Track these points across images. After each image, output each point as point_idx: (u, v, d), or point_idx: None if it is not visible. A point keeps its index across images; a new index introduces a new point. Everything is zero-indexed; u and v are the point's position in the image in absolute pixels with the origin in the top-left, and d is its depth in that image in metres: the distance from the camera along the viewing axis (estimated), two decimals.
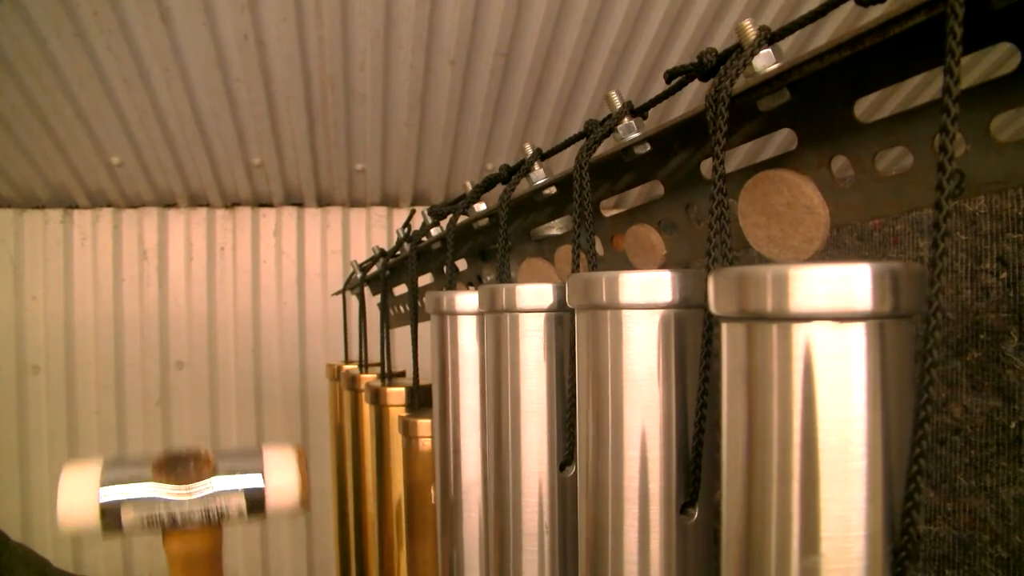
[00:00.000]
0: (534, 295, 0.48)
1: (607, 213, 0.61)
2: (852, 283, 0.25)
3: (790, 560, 0.26)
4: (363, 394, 1.15)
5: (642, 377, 0.36)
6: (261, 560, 1.91)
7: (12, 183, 1.74)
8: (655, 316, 0.36)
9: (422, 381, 0.86)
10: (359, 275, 1.35)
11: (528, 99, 1.59)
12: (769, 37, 0.36)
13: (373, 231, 2.01)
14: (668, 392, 0.36)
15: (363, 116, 1.60)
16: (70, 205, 1.87)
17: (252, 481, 0.45)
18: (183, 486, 0.45)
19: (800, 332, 0.25)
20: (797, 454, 0.25)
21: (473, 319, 0.60)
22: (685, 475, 0.36)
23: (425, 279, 1.07)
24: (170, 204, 1.91)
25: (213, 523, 0.50)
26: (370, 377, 1.21)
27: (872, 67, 0.33)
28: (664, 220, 0.52)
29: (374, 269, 1.28)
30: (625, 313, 0.36)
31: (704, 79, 0.41)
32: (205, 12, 1.28)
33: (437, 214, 0.86)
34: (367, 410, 1.13)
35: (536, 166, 0.61)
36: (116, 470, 0.46)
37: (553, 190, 0.60)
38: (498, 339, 0.51)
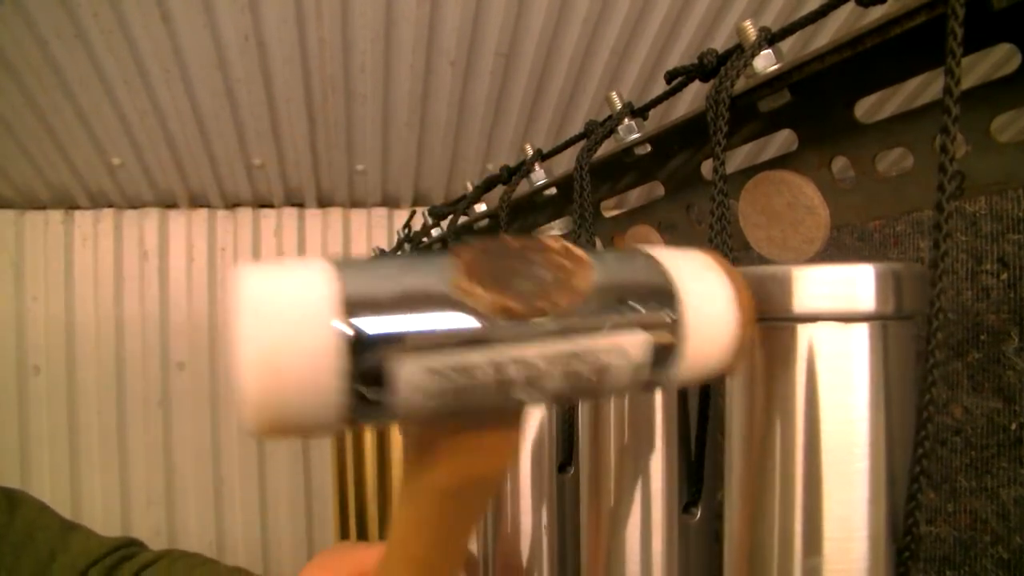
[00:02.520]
0: None
1: (607, 214, 0.61)
2: (855, 284, 0.25)
3: (792, 560, 0.26)
4: None
5: None
6: (262, 560, 1.91)
7: (13, 184, 1.74)
8: None
9: None
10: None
11: (528, 100, 1.59)
12: (770, 38, 0.36)
13: (374, 232, 2.01)
14: (670, 392, 0.36)
15: (364, 117, 1.60)
16: (71, 206, 1.87)
17: (659, 314, 0.23)
18: (533, 309, 0.22)
19: (804, 332, 0.25)
20: (800, 454, 0.25)
21: None
22: (687, 475, 0.36)
23: None
24: (171, 205, 1.91)
25: (577, 392, 0.24)
26: None
27: (873, 68, 0.33)
28: (664, 221, 0.52)
29: None
30: None
31: (705, 80, 0.41)
32: (206, 13, 1.28)
33: (438, 215, 0.86)
34: None
35: (536, 167, 0.61)
36: (368, 277, 0.21)
37: (553, 191, 0.60)
38: None
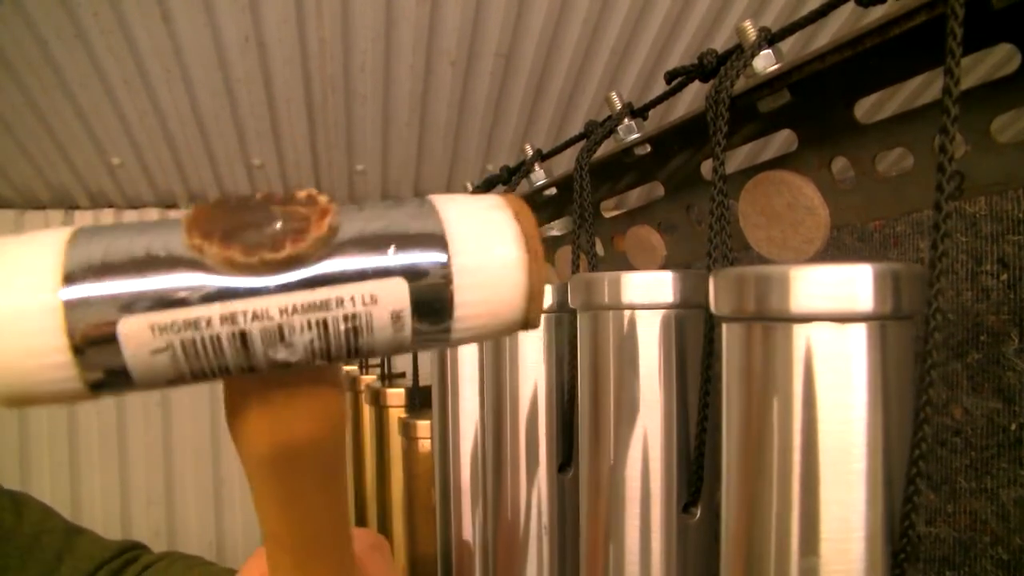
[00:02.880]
0: None
1: (607, 214, 0.61)
2: (853, 284, 0.25)
3: (790, 561, 0.26)
4: (363, 395, 1.15)
5: (643, 377, 0.36)
6: None
7: (13, 184, 1.74)
8: (656, 316, 0.36)
9: (422, 382, 0.86)
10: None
11: (528, 100, 1.59)
12: (769, 38, 0.36)
13: None
14: (669, 392, 0.36)
15: (364, 117, 1.60)
16: (71, 206, 1.87)
17: (421, 258, 0.21)
18: (263, 268, 0.21)
19: (801, 333, 0.25)
20: (797, 455, 0.25)
21: None
22: (687, 475, 0.36)
23: None
24: (171, 205, 1.92)
25: (335, 351, 0.22)
26: (370, 378, 1.21)
27: (873, 68, 0.33)
28: (664, 221, 0.52)
29: None
30: (626, 313, 0.36)
31: (704, 80, 0.41)
32: (206, 13, 1.28)
33: None
34: (367, 411, 1.14)
35: (536, 167, 0.61)
36: (101, 240, 0.21)
37: (553, 191, 0.60)
38: (498, 340, 0.51)
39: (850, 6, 0.33)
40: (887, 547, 0.25)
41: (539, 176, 0.61)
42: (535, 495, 0.49)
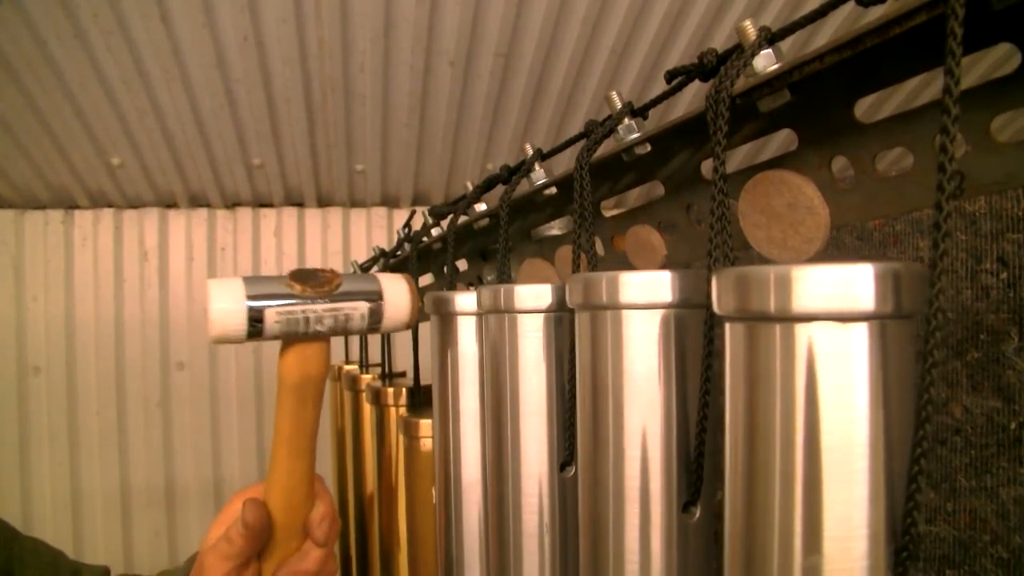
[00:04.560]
0: (534, 296, 0.48)
1: (607, 213, 0.61)
2: (854, 284, 0.25)
3: (792, 559, 0.26)
4: (364, 394, 1.15)
5: (643, 377, 0.36)
6: None
7: (13, 184, 1.74)
8: (656, 316, 0.36)
9: (422, 381, 0.86)
10: (357, 271, 1.35)
11: (528, 99, 1.59)
12: (769, 37, 0.36)
13: (373, 232, 2.01)
14: (669, 392, 0.36)
15: (363, 117, 1.60)
16: (71, 206, 1.87)
17: (372, 296, 0.54)
18: (316, 292, 0.52)
19: (802, 332, 0.25)
20: (799, 454, 0.25)
21: (473, 319, 0.60)
22: (686, 475, 0.36)
23: (426, 279, 1.07)
24: (171, 205, 1.92)
25: (339, 330, 0.53)
26: (370, 377, 1.21)
27: (872, 67, 0.33)
28: (664, 220, 0.52)
29: (375, 270, 1.28)
30: (626, 313, 0.36)
31: (704, 79, 0.41)
32: (205, 13, 1.28)
33: (437, 214, 0.86)
34: (368, 410, 1.14)
35: (536, 166, 0.61)
36: (256, 282, 0.52)
37: (553, 190, 0.60)
38: (498, 339, 0.51)
39: (850, 6, 0.33)
40: (889, 545, 0.25)
41: (539, 175, 0.61)
42: (535, 494, 0.49)
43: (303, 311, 0.52)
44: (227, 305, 0.51)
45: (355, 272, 1.38)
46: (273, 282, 0.53)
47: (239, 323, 0.51)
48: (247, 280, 0.52)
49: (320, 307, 0.53)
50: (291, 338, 0.53)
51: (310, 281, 0.53)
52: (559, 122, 1.66)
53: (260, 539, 0.54)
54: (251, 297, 0.51)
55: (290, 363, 0.54)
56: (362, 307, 0.54)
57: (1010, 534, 0.74)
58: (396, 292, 0.55)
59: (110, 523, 1.88)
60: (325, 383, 0.56)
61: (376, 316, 0.55)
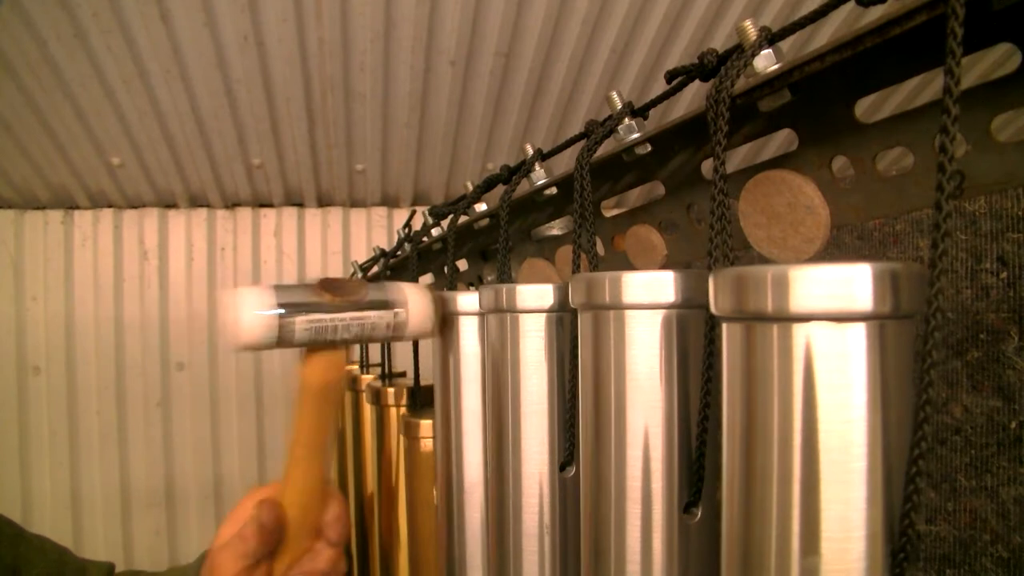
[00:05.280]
0: (535, 295, 0.48)
1: (608, 213, 0.61)
2: (852, 283, 0.25)
3: (790, 560, 0.26)
4: (364, 394, 1.15)
5: (644, 377, 0.36)
6: None
7: (12, 184, 1.74)
8: (657, 316, 0.36)
9: (423, 381, 0.86)
10: (360, 276, 1.35)
11: (528, 99, 1.59)
12: (770, 38, 0.36)
13: (373, 231, 2.01)
14: (670, 392, 0.36)
15: (363, 117, 1.60)
16: (70, 206, 1.87)
17: (398, 305, 0.55)
18: (344, 300, 0.53)
19: (800, 332, 0.25)
20: (797, 454, 0.25)
21: (474, 319, 0.60)
22: (688, 475, 0.36)
23: (426, 279, 1.07)
24: (170, 205, 1.92)
25: (363, 338, 0.55)
26: (371, 377, 1.21)
27: (873, 67, 0.33)
28: (665, 220, 0.52)
29: (375, 269, 1.28)
30: (627, 313, 0.36)
31: (705, 79, 0.41)
32: (205, 13, 1.28)
33: (438, 214, 0.86)
34: (368, 410, 1.14)
35: (537, 166, 0.61)
36: (286, 291, 0.53)
37: (554, 190, 0.60)
38: (499, 339, 0.51)
39: (850, 6, 0.33)
40: (887, 546, 0.25)
41: (539, 176, 0.61)
42: (536, 494, 0.49)
43: (331, 320, 0.52)
44: (258, 313, 0.51)
45: (355, 272, 1.38)
46: (302, 290, 0.53)
47: (270, 331, 0.51)
48: (277, 288, 0.53)
49: (348, 316, 0.53)
50: (317, 345, 0.54)
51: (339, 290, 0.54)
52: (559, 122, 1.66)
53: (274, 539, 0.55)
54: (281, 305, 0.51)
55: (314, 369, 0.54)
56: (387, 316, 0.55)
57: (1010, 533, 0.74)
58: (419, 302, 0.56)
59: (110, 523, 1.88)
60: (344, 387, 0.58)
61: (400, 325, 0.55)
